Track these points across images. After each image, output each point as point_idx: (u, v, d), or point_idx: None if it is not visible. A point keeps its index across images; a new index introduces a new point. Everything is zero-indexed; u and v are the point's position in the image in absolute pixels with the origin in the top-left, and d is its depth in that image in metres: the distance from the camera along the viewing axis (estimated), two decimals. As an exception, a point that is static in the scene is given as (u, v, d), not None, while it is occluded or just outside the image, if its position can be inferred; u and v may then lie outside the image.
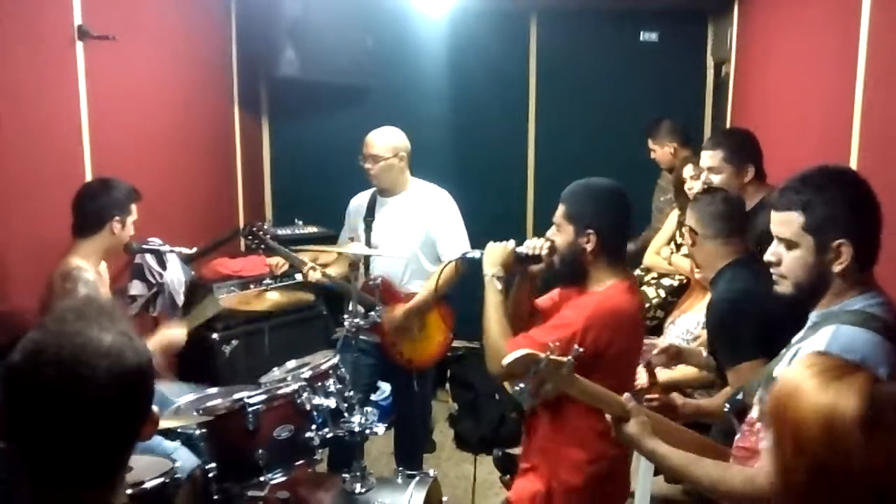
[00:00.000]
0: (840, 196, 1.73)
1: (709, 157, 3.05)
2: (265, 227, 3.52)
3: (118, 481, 1.18)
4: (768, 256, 1.84)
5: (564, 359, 1.81)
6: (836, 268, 1.72)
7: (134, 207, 2.91)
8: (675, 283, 3.83)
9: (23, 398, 1.08)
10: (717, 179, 3.01)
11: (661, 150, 4.53)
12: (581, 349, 1.93)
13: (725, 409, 2.03)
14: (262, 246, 3.50)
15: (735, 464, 1.79)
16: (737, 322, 2.34)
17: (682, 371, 2.95)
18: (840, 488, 1.17)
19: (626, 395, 1.89)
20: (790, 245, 1.78)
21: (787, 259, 1.79)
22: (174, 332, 3.02)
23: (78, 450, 1.10)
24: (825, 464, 1.17)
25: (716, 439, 2.25)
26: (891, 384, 1.25)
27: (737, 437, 1.86)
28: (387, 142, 3.51)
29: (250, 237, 3.51)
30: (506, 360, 1.79)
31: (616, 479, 2.41)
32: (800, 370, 1.25)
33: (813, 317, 1.80)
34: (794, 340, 1.81)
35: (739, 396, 1.95)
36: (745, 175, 2.98)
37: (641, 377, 2.64)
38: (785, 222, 1.79)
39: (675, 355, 2.71)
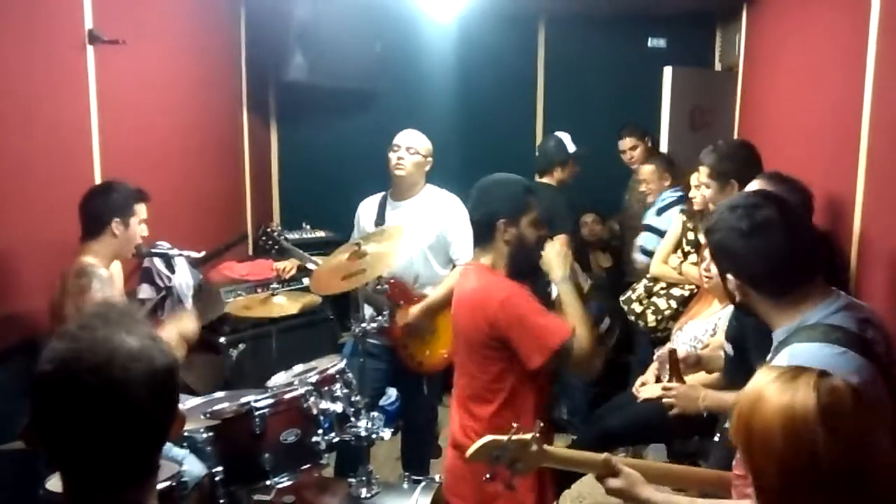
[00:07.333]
0: (719, 232, 1.80)
1: (698, 174, 3.17)
2: (277, 228, 3.54)
3: (152, 482, 1.21)
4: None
5: (529, 435, 1.78)
6: (741, 299, 1.81)
7: (138, 208, 2.89)
8: (686, 294, 3.77)
9: (60, 406, 1.10)
10: (707, 195, 3.08)
11: (643, 146, 4.91)
12: (542, 424, 1.88)
13: (716, 439, 1.99)
14: (276, 247, 3.53)
15: (735, 493, 1.72)
16: None
17: (702, 378, 2.92)
18: (812, 481, 1.19)
19: (606, 455, 1.85)
20: None
21: None
22: (186, 325, 2.98)
23: (117, 452, 1.13)
24: (792, 461, 1.20)
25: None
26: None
27: (734, 463, 1.77)
28: (423, 141, 3.64)
29: (264, 238, 3.55)
30: (468, 453, 1.76)
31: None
32: (761, 380, 1.29)
33: (776, 335, 1.77)
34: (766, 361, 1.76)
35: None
36: (729, 191, 2.98)
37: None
38: None
39: (694, 364, 2.68)
